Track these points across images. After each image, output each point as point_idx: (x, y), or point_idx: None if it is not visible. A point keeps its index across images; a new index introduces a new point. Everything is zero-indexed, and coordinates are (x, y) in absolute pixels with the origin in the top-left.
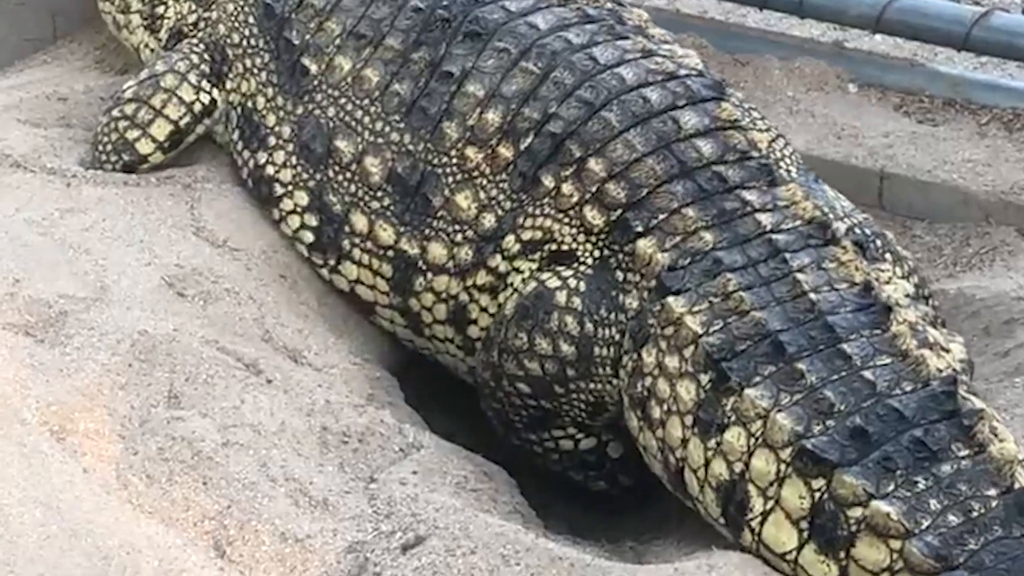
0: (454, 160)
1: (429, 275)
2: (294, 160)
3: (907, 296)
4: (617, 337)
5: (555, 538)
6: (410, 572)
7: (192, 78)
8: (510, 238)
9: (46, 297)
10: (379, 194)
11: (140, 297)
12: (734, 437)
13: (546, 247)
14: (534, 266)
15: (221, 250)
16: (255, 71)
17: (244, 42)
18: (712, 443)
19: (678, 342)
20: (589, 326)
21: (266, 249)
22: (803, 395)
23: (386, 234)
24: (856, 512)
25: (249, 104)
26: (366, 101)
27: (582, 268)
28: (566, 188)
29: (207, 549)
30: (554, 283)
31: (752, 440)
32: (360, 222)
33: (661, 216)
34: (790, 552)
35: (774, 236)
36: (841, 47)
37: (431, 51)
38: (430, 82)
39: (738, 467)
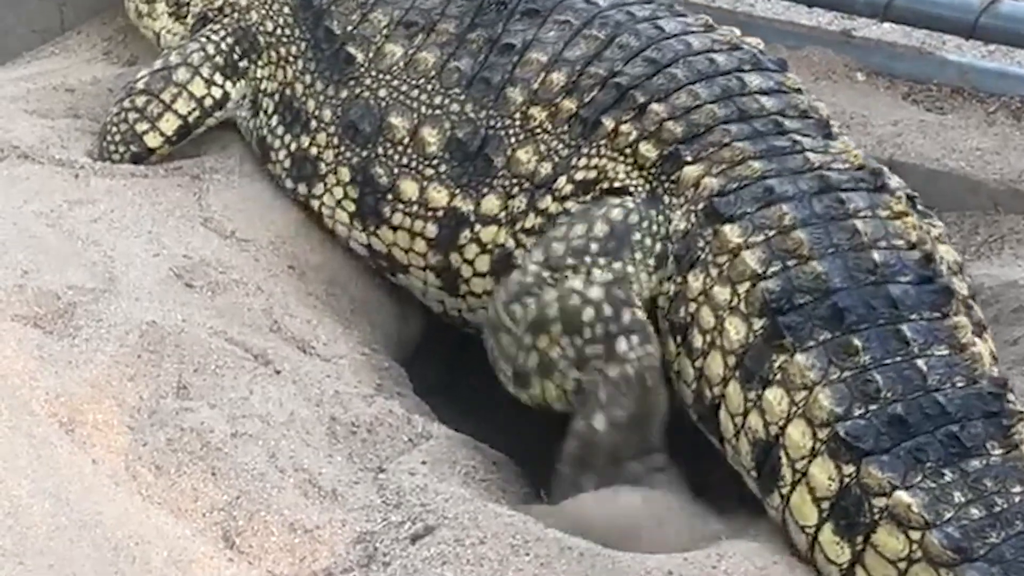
0: (517, 121)
1: (477, 227)
2: (336, 140)
3: (956, 262)
4: (657, 247)
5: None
6: (419, 562)
7: (205, 71)
8: (562, 179)
9: (54, 288)
10: (435, 161)
11: (148, 288)
12: (775, 398)
13: (598, 186)
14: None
15: (229, 241)
16: (291, 59)
17: (279, 31)
18: (753, 395)
19: (733, 275)
20: (634, 216)
21: (274, 240)
22: (852, 374)
23: (439, 196)
24: (880, 502)
25: (287, 91)
26: (422, 80)
27: (632, 196)
28: (624, 128)
29: (216, 540)
30: (615, 211)
31: (793, 408)
32: (410, 189)
33: (712, 149)
34: (810, 527)
35: (824, 172)
36: (849, 36)
37: (488, 31)
38: (490, 56)
39: (774, 430)
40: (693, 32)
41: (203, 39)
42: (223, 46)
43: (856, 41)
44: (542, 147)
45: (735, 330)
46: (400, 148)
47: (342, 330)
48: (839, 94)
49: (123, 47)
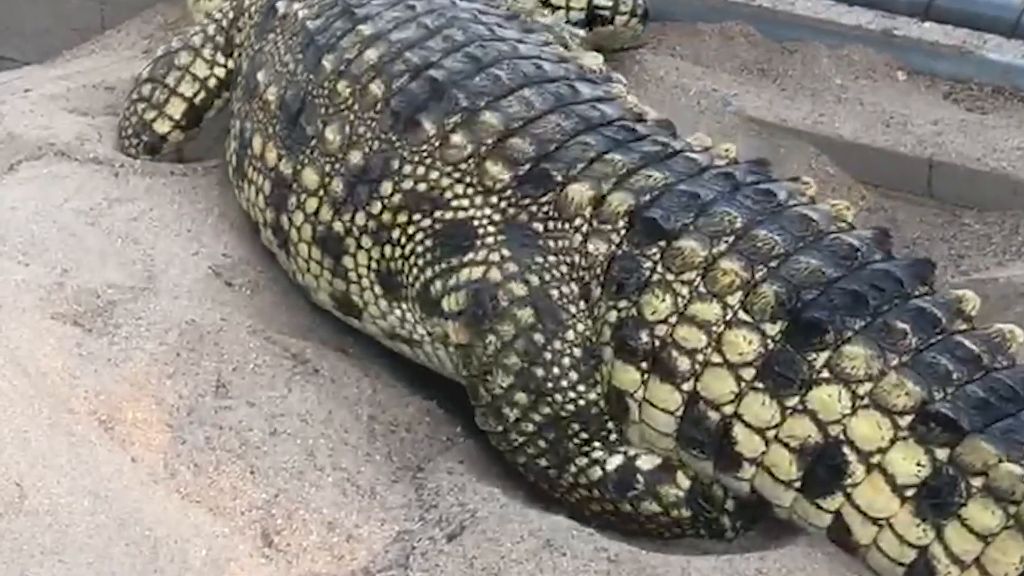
0: (326, 92)
1: (303, 196)
2: (238, 94)
3: None
4: (570, 275)
5: (600, 529)
6: (456, 561)
7: (206, 52)
8: (387, 185)
9: (94, 287)
10: (273, 120)
11: (188, 287)
12: (830, 396)
13: (438, 211)
14: (427, 239)
15: None
16: (250, 29)
17: (253, 6)
18: (793, 401)
19: (716, 289)
20: (533, 279)
21: None
22: (911, 357)
23: (271, 155)
24: (978, 480)
25: (243, 64)
26: (286, 35)
27: (490, 239)
28: (456, 139)
29: (255, 538)
30: (477, 272)
31: (857, 401)
32: (257, 144)
33: (579, 165)
34: (884, 517)
35: (723, 170)
36: (890, 35)
37: None
38: (336, 21)
39: (834, 429)
40: (528, 43)
41: (206, 19)
42: (223, 23)
43: (897, 40)
44: (347, 129)
45: (745, 341)
46: (259, 104)
47: None
48: (879, 93)
49: (163, 45)
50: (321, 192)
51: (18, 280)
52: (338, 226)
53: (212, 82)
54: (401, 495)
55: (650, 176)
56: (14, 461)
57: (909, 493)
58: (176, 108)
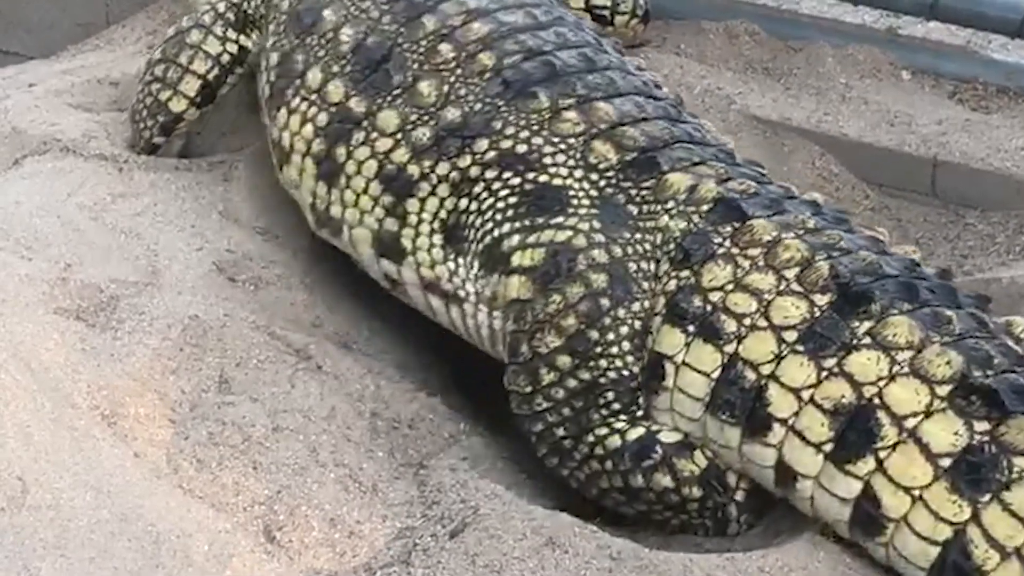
0: (422, 49)
1: (374, 134)
2: (281, 28)
3: None
4: (651, 254)
5: (602, 527)
6: (458, 558)
7: (217, 29)
8: (483, 142)
9: (97, 282)
10: (342, 60)
11: (191, 282)
12: (869, 361)
13: (531, 173)
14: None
15: (272, 236)
16: None
17: None
18: (831, 363)
19: (776, 263)
20: (617, 250)
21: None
22: (954, 339)
23: (336, 90)
24: (1022, 461)
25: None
26: None
27: (583, 209)
28: (570, 115)
29: (257, 534)
30: (562, 235)
31: (895, 367)
32: (315, 78)
33: (684, 163)
34: (917, 487)
35: (806, 197)
36: (895, 34)
37: None
38: None
39: (869, 391)
40: (629, 62)
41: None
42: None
43: (901, 39)
44: (445, 87)
45: (793, 306)
46: (321, 41)
47: (384, 326)
48: (884, 92)
49: (172, 26)
50: (399, 135)
51: (21, 275)
52: (413, 170)
53: (225, 58)
54: (403, 492)
55: (743, 182)
56: (16, 456)
57: (945, 464)
58: (190, 86)
